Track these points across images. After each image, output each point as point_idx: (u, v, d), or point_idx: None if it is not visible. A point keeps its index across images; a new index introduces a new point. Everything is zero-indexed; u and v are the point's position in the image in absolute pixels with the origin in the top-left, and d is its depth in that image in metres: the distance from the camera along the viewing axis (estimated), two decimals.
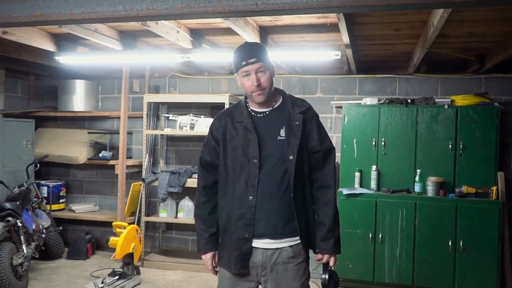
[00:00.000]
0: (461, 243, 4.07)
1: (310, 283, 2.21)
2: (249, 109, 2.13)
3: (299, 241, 2.09)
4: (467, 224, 4.08)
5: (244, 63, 2.01)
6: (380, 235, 4.25)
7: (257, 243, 2.07)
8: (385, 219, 4.25)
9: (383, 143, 4.42)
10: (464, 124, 4.23)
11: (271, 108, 2.12)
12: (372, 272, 4.26)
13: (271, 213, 2.05)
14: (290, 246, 2.07)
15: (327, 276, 2.11)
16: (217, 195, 2.19)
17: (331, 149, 2.18)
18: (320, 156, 2.13)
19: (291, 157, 2.03)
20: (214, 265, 2.22)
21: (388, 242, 4.24)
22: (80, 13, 2.18)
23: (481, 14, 2.97)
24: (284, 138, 2.06)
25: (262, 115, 2.11)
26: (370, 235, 4.26)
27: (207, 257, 2.20)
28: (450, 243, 4.09)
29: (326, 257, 2.12)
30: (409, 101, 4.40)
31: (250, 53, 2.01)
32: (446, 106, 4.28)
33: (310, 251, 2.20)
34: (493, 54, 3.98)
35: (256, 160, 2.03)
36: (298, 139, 2.05)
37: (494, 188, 4.13)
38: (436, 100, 4.41)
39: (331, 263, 2.12)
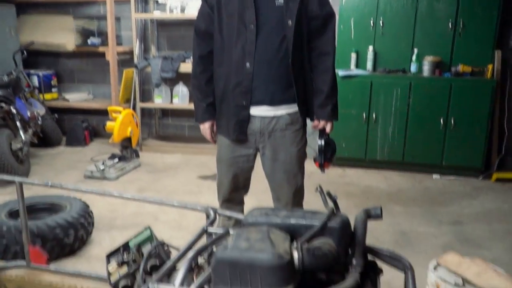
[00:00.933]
0: (452, 120, 4.16)
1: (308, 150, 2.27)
2: None
3: (296, 109, 2.09)
4: (460, 102, 4.14)
5: None
6: (374, 115, 4.32)
7: (255, 110, 2.06)
8: (380, 99, 4.29)
9: (381, 23, 4.29)
10: (466, 2, 4.08)
11: None
12: (364, 150, 4.41)
13: (268, 80, 2.01)
14: (288, 114, 2.07)
15: (323, 142, 2.12)
16: (213, 64, 2.14)
17: (332, 14, 2.08)
18: (319, 22, 2.05)
19: (290, 23, 1.95)
20: (212, 134, 2.24)
21: (381, 122, 4.33)
22: None
23: None
24: (282, 3, 1.96)
25: None
26: (364, 115, 4.33)
27: (206, 126, 2.21)
28: (441, 121, 4.18)
29: (322, 123, 2.11)
30: None
31: None
32: None
33: (308, 120, 2.21)
34: None
35: (252, 26, 1.95)
36: (297, 3, 1.95)
37: (490, 66, 4.12)
38: None
39: (328, 129, 2.13)
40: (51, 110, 5.25)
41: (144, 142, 5.16)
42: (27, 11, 5.60)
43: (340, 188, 3.92)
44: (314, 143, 2.22)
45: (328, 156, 2.14)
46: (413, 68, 4.26)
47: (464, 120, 4.16)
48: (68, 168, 4.49)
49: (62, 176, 4.24)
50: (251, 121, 2.08)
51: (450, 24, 4.14)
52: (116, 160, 4.33)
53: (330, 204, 1.31)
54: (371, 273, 1.18)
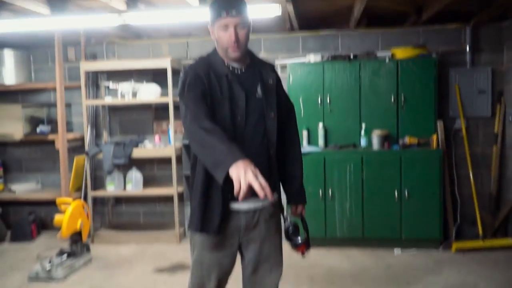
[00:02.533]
0: (406, 192, 4.22)
1: None
2: (227, 64, 1.98)
3: (276, 197, 2.08)
4: (411, 174, 4.23)
5: (224, 14, 1.85)
6: (330, 191, 4.33)
7: (240, 205, 1.97)
8: (334, 175, 4.33)
9: (328, 100, 4.44)
10: (404, 77, 4.32)
11: (245, 65, 2.02)
12: (324, 228, 4.36)
13: None
14: (270, 204, 2.05)
15: (304, 224, 2.22)
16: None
17: (293, 106, 2.26)
18: (286, 113, 2.16)
19: (272, 115, 2.00)
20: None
21: (338, 198, 4.33)
22: None
23: None
24: (261, 96, 2.00)
25: (239, 71, 2.00)
26: (321, 192, 4.33)
27: (247, 162, 1.57)
28: (396, 193, 4.23)
29: (300, 207, 2.22)
30: (351, 56, 4.42)
31: (231, 4, 1.86)
32: (387, 60, 4.34)
33: None
34: (429, 4, 4.03)
35: (240, 118, 1.93)
36: (275, 97, 2.03)
37: (435, 137, 4.28)
38: (378, 54, 4.46)
39: (304, 212, 2.25)
40: None
41: (96, 232, 4.92)
42: None
43: (303, 272, 3.80)
44: None
45: (308, 238, 2.14)
46: (363, 142, 4.37)
47: (417, 191, 4.23)
48: (11, 269, 4.15)
49: (4, 279, 3.90)
50: (235, 217, 1.99)
51: (392, 98, 4.34)
52: (65, 256, 4.05)
53: None
54: None
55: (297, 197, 2.20)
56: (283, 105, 2.12)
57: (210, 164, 1.67)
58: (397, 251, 4.25)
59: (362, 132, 4.36)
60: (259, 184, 1.51)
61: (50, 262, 3.92)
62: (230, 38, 1.87)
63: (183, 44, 5.07)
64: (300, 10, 4.17)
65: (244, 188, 1.50)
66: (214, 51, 2.01)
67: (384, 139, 4.31)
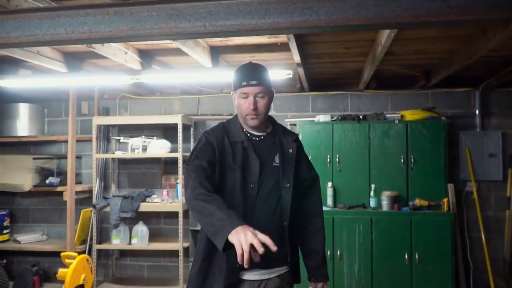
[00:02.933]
0: (416, 256, 4.13)
1: None
2: (245, 131, 2.01)
3: (286, 271, 2.01)
4: (422, 237, 4.16)
5: (244, 83, 1.90)
6: (338, 252, 4.25)
7: (246, 274, 1.92)
8: (343, 236, 4.27)
9: (337, 159, 4.45)
10: (414, 138, 4.34)
11: (265, 133, 2.03)
12: None
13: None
14: (277, 276, 1.98)
15: None
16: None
17: (317, 177, 2.22)
18: (308, 184, 2.14)
19: (288, 185, 1.97)
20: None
21: (346, 259, 4.25)
22: (17, 36, 2.04)
23: (425, 33, 3.07)
24: (278, 165, 1.98)
25: (257, 138, 2.01)
26: (329, 252, 4.25)
27: (245, 226, 1.55)
28: (406, 256, 4.14)
29: (320, 284, 2.12)
30: (361, 117, 4.48)
31: (252, 74, 1.92)
32: (396, 121, 4.38)
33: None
34: (438, 70, 4.13)
35: (252, 186, 1.92)
36: (293, 167, 2.00)
37: (445, 200, 4.24)
38: (387, 115, 4.51)
39: None
40: (0, 253, 4.92)
41: (99, 286, 4.83)
42: None
43: None
44: None
45: None
46: (372, 203, 4.33)
47: (428, 255, 4.14)
48: None
49: None
50: (241, 286, 1.94)
51: (402, 160, 4.33)
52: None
53: None
54: None
55: (317, 273, 2.12)
56: (305, 176, 2.11)
57: (210, 232, 1.67)
58: None
59: (372, 192, 4.33)
60: (258, 240, 1.50)
61: None
62: (249, 106, 1.91)
63: (195, 100, 5.18)
64: (311, 72, 4.28)
65: (246, 249, 1.48)
66: (235, 118, 2.05)
67: (394, 200, 4.27)
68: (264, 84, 1.92)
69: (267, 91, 1.94)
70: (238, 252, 1.49)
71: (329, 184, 4.43)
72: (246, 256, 1.48)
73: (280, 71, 3.62)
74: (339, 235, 4.27)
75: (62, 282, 4.09)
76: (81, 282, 4.05)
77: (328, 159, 4.47)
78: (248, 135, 1.99)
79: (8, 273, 5.01)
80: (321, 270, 2.12)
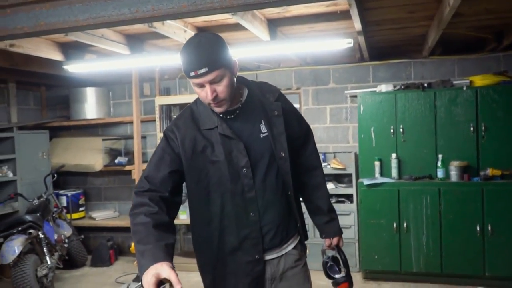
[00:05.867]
0: (489, 227, 3.95)
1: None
2: (216, 111, 1.72)
3: (298, 239, 1.88)
4: (495, 208, 3.96)
5: (193, 73, 1.57)
6: (404, 224, 4.15)
7: (265, 256, 1.80)
8: (409, 207, 4.16)
9: (401, 130, 4.31)
10: (484, 105, 4.10)
11: (239, 105, 1.75)
12: (398, 262, 4.17)
13: (276, 222, 1.78)
14: (293, 248, 1.85)
15: (343, 256, 2.00)
16: (194, 225, 1.82)
17: (309, 127, 2.03)
18: (302, 140, 1.96)
19: (283, 154, 1.76)
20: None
21: (413, 231, 4.15)
22: (85, 19, 2.13)
23: None
24: (266, 133, 1.75)
25: (233, 115, 1.74)
26: (395, 225, 4.17)
27: (158, 265, 1.44)
28: (478, 227, 3.97)
29: (335, 239, 2.01)
30: (425, 85, 4.28)
31: (199, 60, 1.55)
32: (465, 88, 4.15)
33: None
34: (511, 30, 3.84)
35: (245, 170, 1.70)
36: (284, 133, 1.78)
37: None
38: (454, 82, 4.28)
39: (341, 243, 2.03)
40: (78, 229, 5.28)
41: None
42: (59, 134, 5.90)
43: None
44: None
45: (349, 272, 1.99)
46: (440, 174, 4.17)
47: (502, 227, 3.94)
48: None
49: None
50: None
51: (471, 128, 4.12)
52: (140, 283, 4.18)
53: None
54: None
55: (327, 229, 2.01)
56: (297, 135, 1.91)
57: (136, 257, 1.55)
58: None
59: (439, 163, 4.16)
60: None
61: (128, 287, 4.06)
62: (207, 96, 1.62)
63: (252, 76, 5.17)
64: (371, 41, 4.13)
65: None
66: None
67: (463, 170, 4.09)
68: (217, 67, 1.57)
69: (223, 71, 1.60)
70: None
71: (393, 155, 4.31)
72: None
73: (340, 41, 3.53)
74: (405, 207, 4.16)
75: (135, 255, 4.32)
76: None
77: (392, 130, 4.33)
78: (221, 115, 1.72)
79: (86, 248, 5.36)
80: (331, 224, 2.00)
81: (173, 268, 1.46)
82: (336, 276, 1.98)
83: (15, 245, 3.93)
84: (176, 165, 1.69)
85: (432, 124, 4.24)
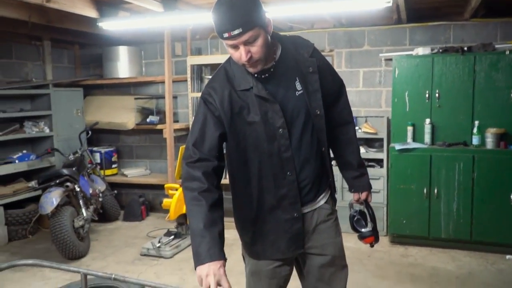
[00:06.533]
0: None
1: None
2: (250, 71, 1.68)
3: (329, 193, 1.91)
4: None
5: (226, 35, 1.53)
6: (435, 190, 4.12)
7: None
8: (441, 174, 4.11)
9: (437, 94, 4.21)
10: None
11: (273, 63, 1.71)
12: (427, 228, 4.17)
13: (311, 179, 1.81)
14: (325, 202, 1.88)
15: (371, 211, 2.01)
16: (234, 184, 1.85)
17: (342, 83, 2.01)
18: (335, 95, 1.95)
19: (318, 112, 1.76)
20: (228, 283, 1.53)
21: (444, 197, 4.11)
22: None
23: None
24: (301, 91, 1.73)
25: (267, 74, 1.71)
26: (425, 190, 4.14)
27: (216, 268, 1.53)
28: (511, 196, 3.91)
29: (364, 194, 2.02)
30: (465, 49, 4.14)
31: (232, 22, 1.50)
32: (507, 52, 3.99)
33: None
34: None
35: (282, 130, 1.70)
36: (319, 90, 1.75)
37: None
38: (496, 46, 4.13)
39: (370, 198, 2.03)
40: (111, 185, 5.44)
41: None
42: (92, 92, 6.01)
43: (403, 270, 3.68)
44: None
45: (376, 227, 2.01)
46: (475, 140, 4.08)
47: None
48: (125, 244, 4.54)
49: (120, 253, 4.28)
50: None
51: None
52: (172, 237, 4.34)
53: None
54: None
55: (356, 183, 2.01)
56: (332, 90, 1.90)
57: (191, 241, 1.62)
58: (509, 256, 3.93)
59: (475, 129, 4.07)
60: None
61: (159, 241, 4.22)
62: (241, 57, 1.59)
63: None
64: (410, 1, 3.99)
65: None
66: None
67: (500, 138, 3.99)
68: (251, 27, 1.52)
69: (258, 31, 1.54)
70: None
71: (427, 120, 4.24)
72: None
73: (378, 0, 3.42)
74: (436, 173, 4.12)
75: (167, 211, 4.45)
76: (183, 212, 4.37)
77: (427, 95, 4.24)
78: (256, 75, 1.69)
79: (118, 203, 5.55)
80: (361, 179, 2.01)
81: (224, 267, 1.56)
82: (363, 230, 2.01)
83: (53, 197, 4.10)
84: (219, 128, 1.69)
85: (470, 90, 4.12)
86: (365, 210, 2.02)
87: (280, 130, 1.70)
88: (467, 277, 3.58)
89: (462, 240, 4.10)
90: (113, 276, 1.89)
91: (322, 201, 1.87)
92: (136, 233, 4.92)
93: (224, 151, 1.77)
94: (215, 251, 1.55)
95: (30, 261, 2.18)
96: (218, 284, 1.51)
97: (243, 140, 1.72)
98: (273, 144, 1.71)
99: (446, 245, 4.17)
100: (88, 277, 1.95)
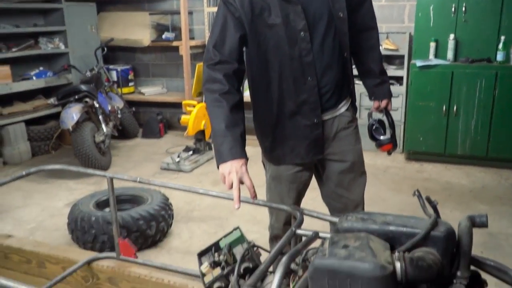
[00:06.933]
0: None
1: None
2: None
3: (350, 101, 1.89)
4: None
5: None
6: (454, 107, 4.08)
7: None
8: (462, 91, 4.05)
9: (463, 8, 4.02)
10: None
11: None
12: (444, 144, 4.19)
13: (332, 86, 1.79)
14: (346, 110, 1.86)
15: (390, 119, 2.02)
16: (253, 87, 1.84)
17: None
18: None
19: (341, 14, 1.70)
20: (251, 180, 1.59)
21: (463, 114, 4.08)
22: None
23: None
24: None
25: None
26: (444, 108, 4.10)
27: (238, 165, 1.56)
28: None
29: (384, 101, 2.01)
30: None
31: None
32: None
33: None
34: None
35: (303, 33, 1.66)
36: None
37: None
38: None
39: (390, 106, 2.03)
40: (128, 103, 5.49)
41: None
42: (105, 8, 5.88)
43: (418, 184, 3.76)
44: None
45: (395, 134, 2.01)
46: (500, 57, 3.96)
47: None
48: (145, 160, 4.68)
49: (140, 167, 4.43)
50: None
51: None
52: (191, 152, 4.45)
53: (430, 210, 1.23)
54: (476, 287, 1.11)
55: (378, 91, 2.00)
56: None
57: (212, 141, 1.65)
58: None
59: (500, 45, 3.93)
60: (238, 184, 1.52)
61: (178, 156, 4.33)
62: None
63: None
64: None
65: (228, 187, 1.54)
66: None
67: None
68: None
69: None
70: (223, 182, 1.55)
71: (451, 36, 4.09)
72: (234, 194, 1.50)
73: None
74: (457, 90, 4.06)
75: (184, 128, 4.52)
76: (202, 128, 4.44)
77: (453, 9, 4.06)
78: None
79: (137, 121, 5.64)
80: (381, 87, 1.99)
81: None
82: (381, 137, 2.01)
83: (73, 112, 4.17)
84: (240, 29, 1.65)
85: (498, 3, 3.92)
86: (384, 119, 2.02)
87: (302, 33, 1.65)
88: (480, 190, 3.65)
89: (477, 156, 4.13)
90: (138, 179, 1.97)
91: (343, 108, 1.85)
92: (155, 149, 5.05)
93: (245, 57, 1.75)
94: (237, 150, 1.58)
95: (57, 166, 2.28)
96: (241, 181, 1.56)
97: (264, 44, 1.69)
98: (294, 48, 1.67)
99: (462, 162, 4.22)
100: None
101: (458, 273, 1.04)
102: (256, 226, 3.00)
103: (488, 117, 4.01)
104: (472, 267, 1.12)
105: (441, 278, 1.02)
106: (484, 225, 1.15)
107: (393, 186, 3.73)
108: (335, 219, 1.43)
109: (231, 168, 1.56)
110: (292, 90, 1.74)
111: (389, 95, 2.02)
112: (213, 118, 1.65)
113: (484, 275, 1.12)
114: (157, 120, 5.51)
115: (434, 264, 0.99)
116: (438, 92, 4.10)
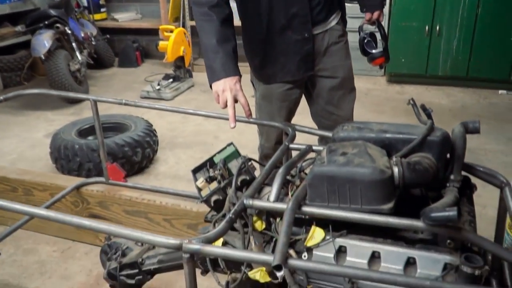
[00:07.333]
0: None
1: None
2: None
3: (340, 14, 1.84)
4: None
5: None
6: (437, 27, 4.04)
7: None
8: (445, 10, 3.99)
9: None
10: None
11: None
12: (425, 66, 4.20)
13: None
14: (337, 23, 1.81)
15: (383, 31, 1.94)
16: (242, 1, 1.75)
17: None
18: None
19: None
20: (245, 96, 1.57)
21: (445, 34, 4.06)
22: None
23: None
24: None
25: None
26: (427, 28, 4.06)
27: (232, 83, 1.55)
28: None
29: (376, 13, 1.91)
30: None
31: None
32: None
33: None
34: None
35: None
36: None
37: None
38: None
39: (381, 18, 1.94)
40: (101, 30, 5.25)
41: (195, 61, 5.11)
42: None
43: (399, 106, 3.79)
44: None
45: (387, 47, 1.95)
46: None
47: None
48: (124, 89, 4.57)
49: (120, 96, 4.20)
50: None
51: None
52: (171, 80, 4.34)
53: (424, 117, 1.24)
54: (466, 190, 1.15)
55: (368, 2, 1.91)
56: None
57: (204, 59, 1.61)
58: (502, 91, 4.04)
59: None
60: (232, 112, 1.52)
61: (158, 84, 4.23)
62: None
63: None
64: None
65: (222, 106, 1.54)
66: None
67: None
68: None
69: None
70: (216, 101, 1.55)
71: None
72: (229, 113, 1.50)
73: None
74: (440, 9, 3.99)
75: (162, 56, 4.37)
76: (181, 54, 4.31)
77: None
78: None
79: (112, 50, 5.42)
80: None
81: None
82: (373, 51, 1.94)
83: (45, 39, 3.96)
84: None
85: None
86: (376, 30, 1.94)
87: None
88: (459, 109, 3.73)
89: (458, 77, 4.17)
90: (123, 101, 1.92)
91: (333, 22, 1.81)
92: (134, 78, 4.91)
93: None
94: (229, 66, 1.54)
95: (36, 90, 2.21)
96: (235, 99, 1.53)
97: None
98: None
99: (442, 83, 4.25)
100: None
101: (451, 177, 1.08)
102: (242, 150, 2.99)
103: (470, 37, 4.00)
104: (463, 173, 1.15)
105: (436, 181, 1.05)
106: (477, 130, 1.18)
107: (375, 108, 3.76)
108: (328, 134, 1.44)
109: (225, 86, 1.53)
110: (282, 3, 1.68)
111: (381, 6, 1.93)
112: (202, 33, 1.59)
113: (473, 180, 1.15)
114: (133, 48, 5.31)
115: (430, 168, 1.01)
116: (422, 12, 4.03)
